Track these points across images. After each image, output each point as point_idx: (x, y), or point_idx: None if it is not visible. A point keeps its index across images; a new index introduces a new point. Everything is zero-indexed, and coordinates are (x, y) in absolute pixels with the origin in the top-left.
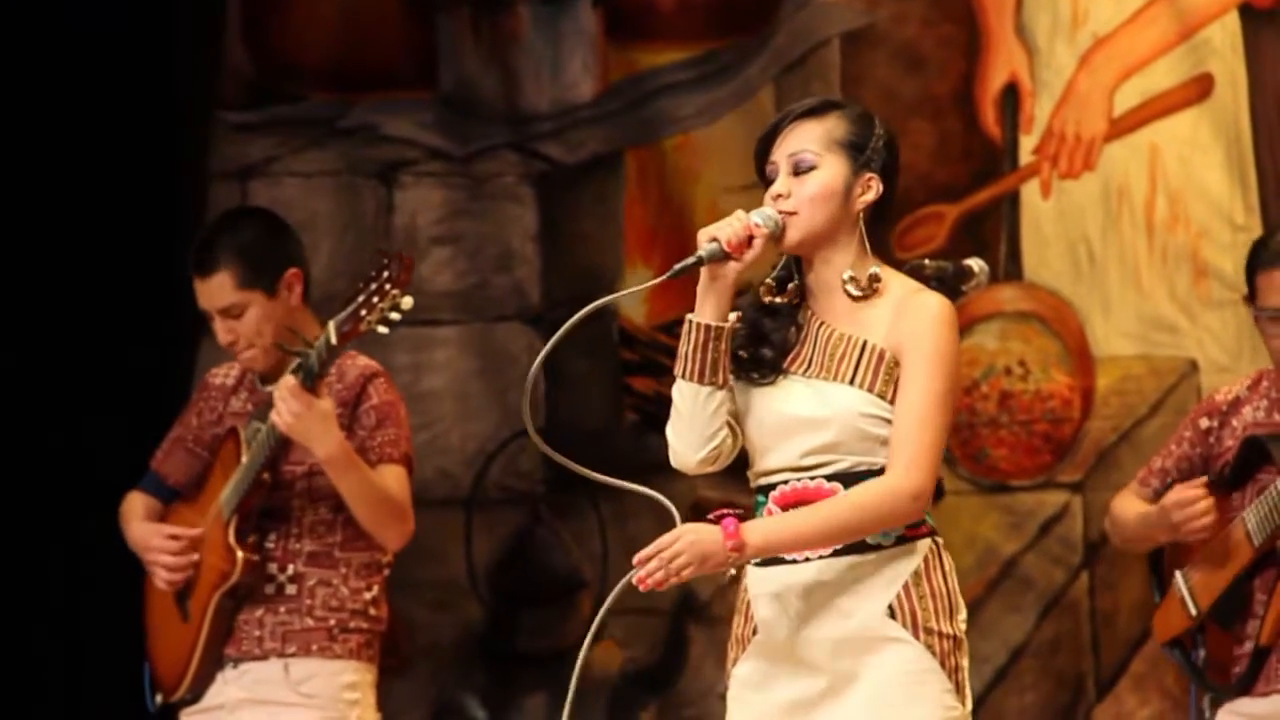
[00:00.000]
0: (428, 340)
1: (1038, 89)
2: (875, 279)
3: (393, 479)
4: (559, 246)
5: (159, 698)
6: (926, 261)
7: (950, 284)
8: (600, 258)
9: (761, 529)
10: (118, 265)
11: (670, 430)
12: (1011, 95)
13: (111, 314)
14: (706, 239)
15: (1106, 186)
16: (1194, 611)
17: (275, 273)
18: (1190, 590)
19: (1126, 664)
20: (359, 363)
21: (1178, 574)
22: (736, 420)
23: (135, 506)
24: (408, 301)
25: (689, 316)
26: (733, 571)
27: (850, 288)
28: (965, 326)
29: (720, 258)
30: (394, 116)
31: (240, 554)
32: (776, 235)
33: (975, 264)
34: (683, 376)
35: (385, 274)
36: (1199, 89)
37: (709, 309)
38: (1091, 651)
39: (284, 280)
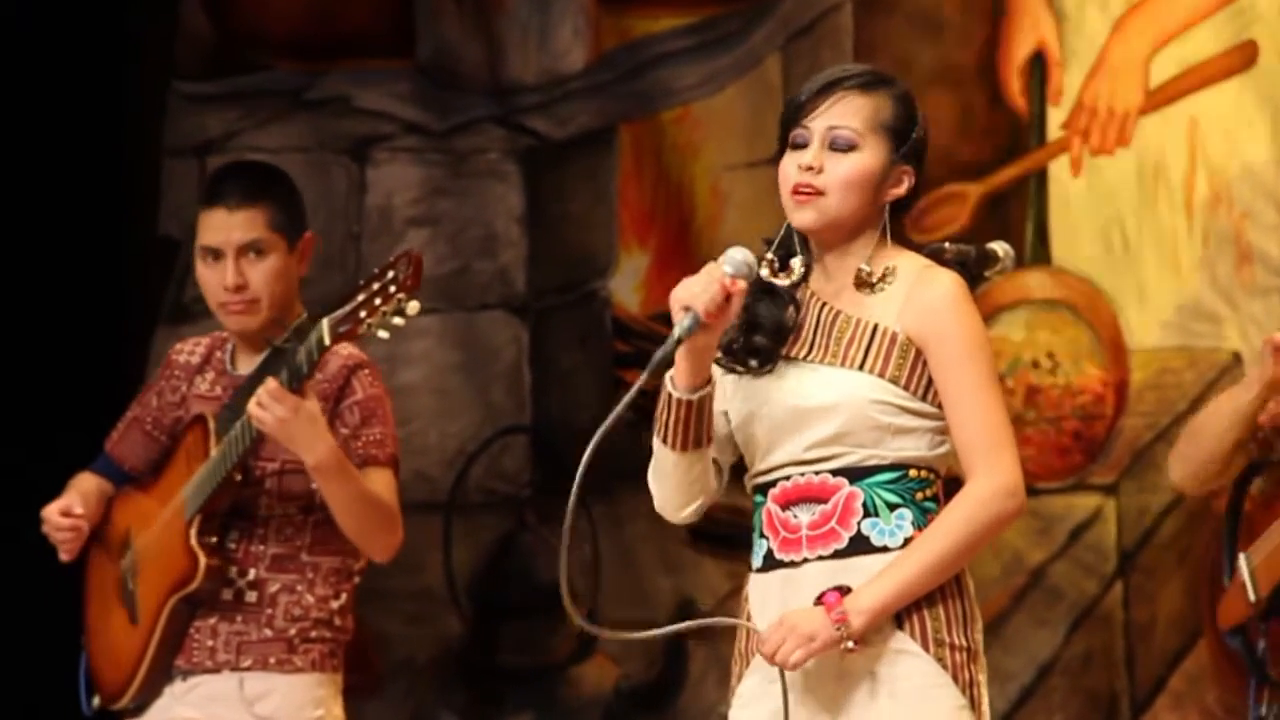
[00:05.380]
0: (404, 330)
1: (1067, 58)
2: (890, 272)
3: (381, 483)
4: (547, 229)
5: (96, 700)
6: (947, 245)
7: (972, 269)
8: (591, 241)
9: (866, 593)
10: (62, 247)
11: (652, 481)
12: (1039, 65)
13: (57, 300)
14: (679, 308)
15: (1142, 164)
16: (1253, 597)
17: (299, 229)
18: (1252, 573)
19: (1164, 681)
20: (342, 352)
21: (1242, 555)
22: (730, 418)
23: (82, 484)
24: (414, 306)
25: (668, 385)
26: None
27: (862, 279)
28: (989, 316)
29: (699, 329)
30: (367, 87)
31: (203, 559)
32: (751, 279)
33: (999, 248)
34: (663, 443)
35: (391, 274)
36: (1242, 57)
37: (688, 378)
38: (1126, 668)
39: (303, 241)
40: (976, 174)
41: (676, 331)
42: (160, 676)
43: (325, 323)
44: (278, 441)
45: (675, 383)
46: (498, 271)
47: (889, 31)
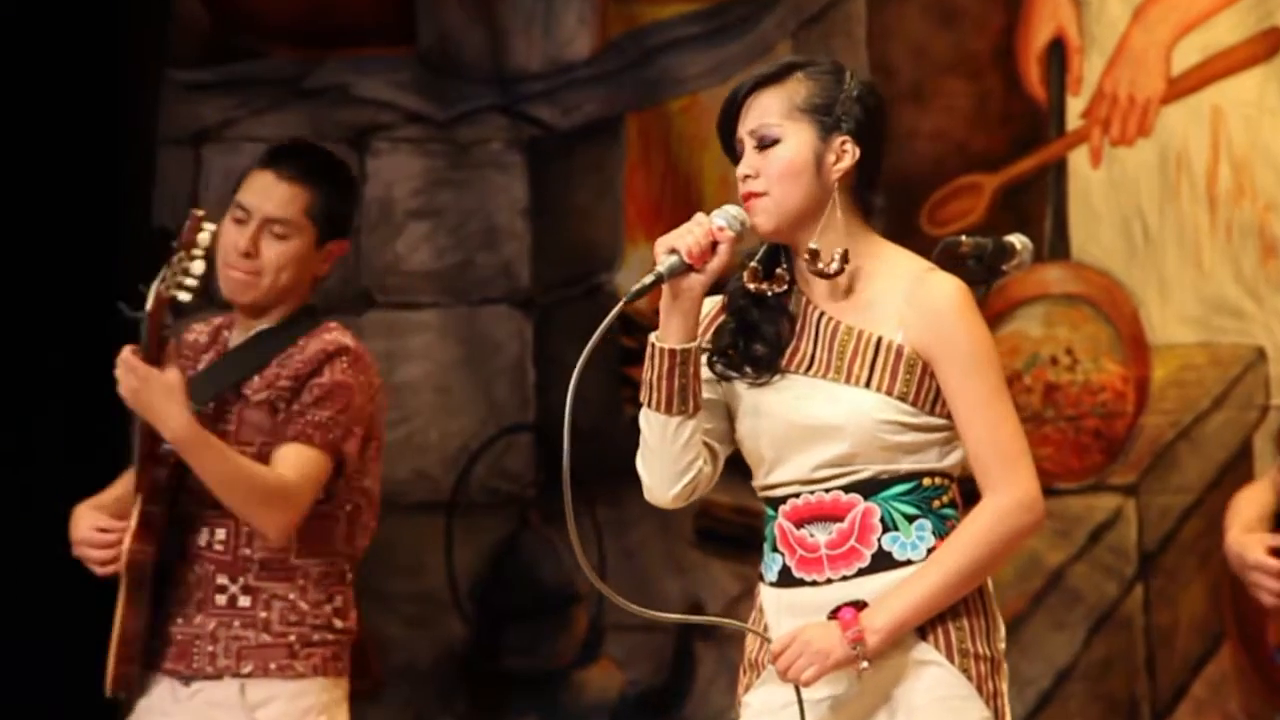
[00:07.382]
0: (404, 325)
1: (1087, 45)
2: (843, 258)
3: (291, 460)
4: (551, 221)
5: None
6: (963, 238)
7: (989, 263)
8: (597, 233)
9: (882, 611)
10: (55, 237)
11: (640, 463)
12: (1058, 52)
13: (50, 290)
14: (664, 251)
15: (1164, 154)
16: None
17: (331, 232)
18: None
19: (1186, 687)
20: (326, 337)
21: None
22: (731, 425)
23: (115, 485)
24: (198, 266)
25: (652, 339)
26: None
27: (813, 264)
28: (1006, 311)
29: (681, 271)
30: (367, 76)
31: (126, 542)
32: (744, 235)
33: (1017, 241)
34: (649, 406)
35: (178, 237)
36: (1267, 45)
37: (674, 330)
38: (1146, 673)
39: (331, 245)
40: (993, 165)
41: (659, 267)
42: (126, 668)
43: (150, 292)
44: (136, 411)
45: (659, 336)
46: (501, 265)
47: (903, 18)
